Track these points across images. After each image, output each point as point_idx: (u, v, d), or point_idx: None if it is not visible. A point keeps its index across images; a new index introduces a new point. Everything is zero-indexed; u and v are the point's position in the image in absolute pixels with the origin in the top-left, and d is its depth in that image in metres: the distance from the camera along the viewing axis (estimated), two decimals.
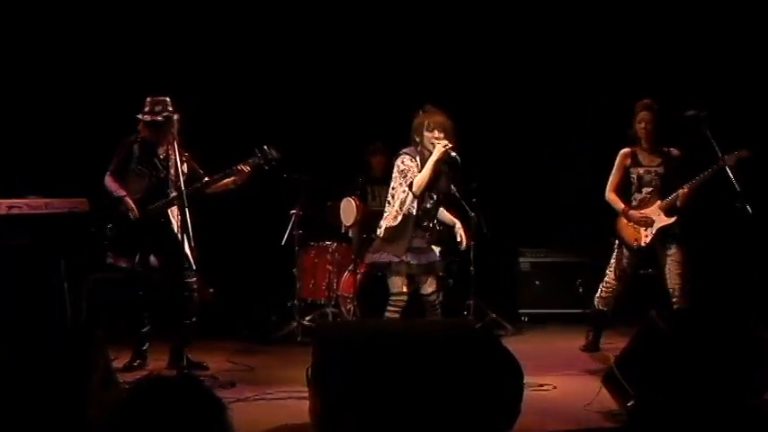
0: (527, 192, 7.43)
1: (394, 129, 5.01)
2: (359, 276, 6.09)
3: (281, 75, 7.10)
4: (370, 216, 6.26)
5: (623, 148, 5.43)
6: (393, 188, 4.71)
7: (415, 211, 4.63)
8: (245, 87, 7.00)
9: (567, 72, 7.02)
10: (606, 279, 5.49)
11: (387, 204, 4.74)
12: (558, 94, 7.11)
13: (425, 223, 4.72)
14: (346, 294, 6.26)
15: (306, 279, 6.55)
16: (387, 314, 4.71)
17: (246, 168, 5.08)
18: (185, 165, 4.86)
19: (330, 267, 6.47)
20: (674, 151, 5.39)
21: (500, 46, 7.10)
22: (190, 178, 4.95)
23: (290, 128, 6.93)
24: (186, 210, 4.55)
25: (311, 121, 7.23)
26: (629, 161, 5.41)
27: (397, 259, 4.63)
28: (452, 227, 4.86)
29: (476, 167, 5.89)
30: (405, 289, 4.66)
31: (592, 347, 5.61)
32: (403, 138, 4.95)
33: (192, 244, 4.65)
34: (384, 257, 4.67)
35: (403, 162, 4.66)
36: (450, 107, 4.87)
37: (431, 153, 4.64)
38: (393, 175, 4.71)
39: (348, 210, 6.36)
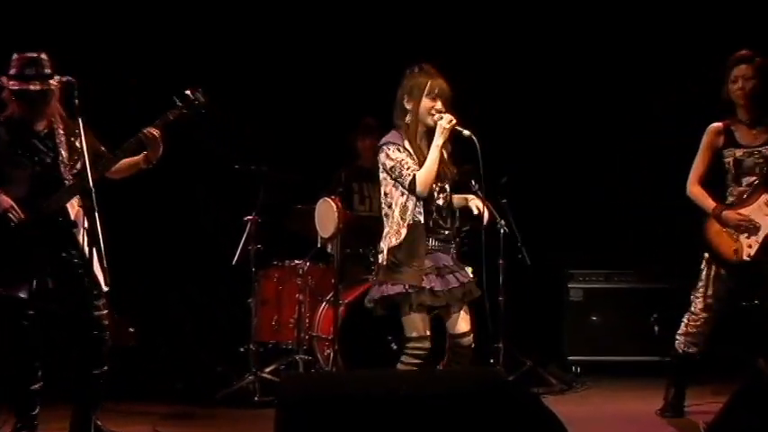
0: (579, 191, 7.43)
1: (390, 101, 5.00)
2: (342, 310, 6.08)
3: (227, 26, 7.17)
4: (356, 224, 6.31)
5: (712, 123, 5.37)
6: (386, 194, 4.70)
7: (422, 217, 4.63)
8: (177, 42, 7.05)
9: (632, 50, 7.26)
10: (692, 308, 5.40)
11: (384, 219, 4.73)
12: (624, 71, 7.28)
13: (445, 228, 4.71)
14: (324, 335, 6.27)
15: (266, 314, 6.57)
16: (400, 368, 4.68)
17: (153, 133, 4.87)
18: (79, 140, 4.65)
19: (301, 297, 6.45)
20: None
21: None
22: (91, 160, 4.72)
23: (242, 99, 6.96)
24: (95, 210, 4.40)
25: (273, 91, 7.23)
26: (721, 140, 5.29)
27: (412, 289, 4.60)
28: (464, 210, 4.92)
29: (505, 156, 5.95)
30: (426, 331, 4.61)
31: (673, 410, 5.54)
32: None
33: (105, 263, 4.51)
34: (393, 289, 4.63)
35: (388, 156, 4.64)
36: (468, 71, 5.05)
37: (427, 130, 4.65)
38: (381, 177, 4.71)
39: (326, 215, 6.31)
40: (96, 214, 4.40)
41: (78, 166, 4.76)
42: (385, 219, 4.73)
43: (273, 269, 6.66)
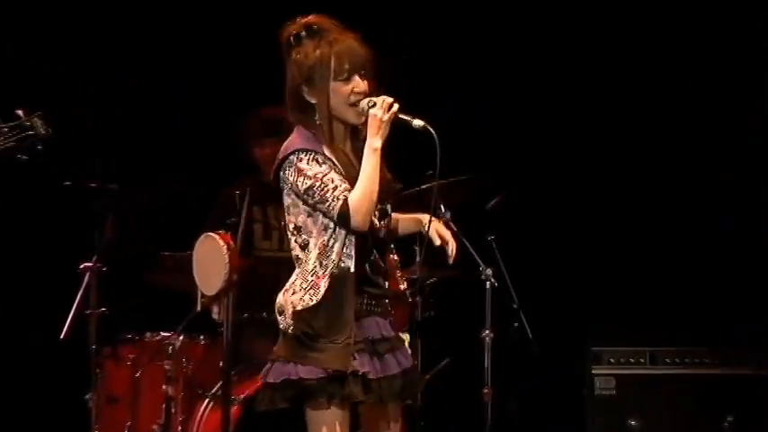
0: (603, 224, 7.41)
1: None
2: (235, 410, 5.84)
3: None
4: (259, 273, 6.10)
5: None
6: (297, 229, 4.48)
7: (353, 264, 4.39)
8: None
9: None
10: None
11: (296, 265, 4.56)
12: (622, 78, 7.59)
13: (378, 276, 4.52)
14: None
15: (115, 416, 6.36)
16: None
17: None
18: None
19: (170, 390, 6.22)
20: None
21: None
22: None
23: (78, 86, 7.05)
24: None
25: (125, 71, 7.31)
26: None
27: (329, 373, 4.37)
28: (418, 235, 4.83)
29: (496, 168, 6.39)
30: None
31: None
32: None
33: None
34: (304, 370, 4.40)
35: (300, 171, 4.40)
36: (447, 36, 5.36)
37: (349, 127, 4.48)
38: (286, 204, 4.50)
39: (210, 260, 5.83)
40: None
41: None
42: (297, 266, 4.49)
43: (126, 346, 6.32)
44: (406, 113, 4.32)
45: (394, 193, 4.57)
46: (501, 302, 6.12)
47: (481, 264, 5.99)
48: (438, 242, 4.53)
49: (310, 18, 4.43)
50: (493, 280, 6.04)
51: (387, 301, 4.53)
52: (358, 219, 4.29)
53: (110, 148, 7.05)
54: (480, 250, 6.02)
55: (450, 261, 4.55)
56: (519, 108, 7.57)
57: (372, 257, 4.44)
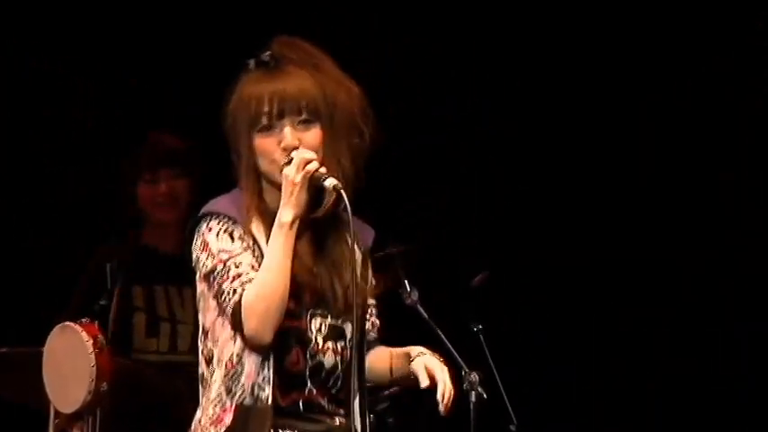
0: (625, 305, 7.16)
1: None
2: None
3: None
4: (141, 384, 5.88)
5: None
6: (204, 331, 4.32)
7: (270, 391, 4.18)
8: None
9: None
10: None
11: (201, 386, 4.42)
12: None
13: (333, 414, 4.29)
14: None
15: None
16: None
17: None
18: None
19: None
20: None
21: None
22: None
23: None
24: None
25: None
26: None
27: None
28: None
29: (488, 233, 6.94)
30: None
31: None
32: None
33: None
34: None
35: (205, 244, 4.25)
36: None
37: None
38: (198, 291, 4.32)
39: (69, 364, 5.51)
40: None
41: None
42: (201, 386, 4.27)
43: None
44: (324, 172, 4.09)
45: (360, 305, 4.11)
46: (492, 422, 5.65)
47: (464, 366, 5.33)
48: (425, 383, 3.99)
49: (275, 43, 4.18)
50: (480, 389, 5.40)
51: None
52: (250, 325, 3.96)
53: (110, 149, 7.28)
54: (463, 345, 5.51)
55: (443, 411, 4.01)
56: (519, 108, 7.96)
57: (309, 389, 4.05)
